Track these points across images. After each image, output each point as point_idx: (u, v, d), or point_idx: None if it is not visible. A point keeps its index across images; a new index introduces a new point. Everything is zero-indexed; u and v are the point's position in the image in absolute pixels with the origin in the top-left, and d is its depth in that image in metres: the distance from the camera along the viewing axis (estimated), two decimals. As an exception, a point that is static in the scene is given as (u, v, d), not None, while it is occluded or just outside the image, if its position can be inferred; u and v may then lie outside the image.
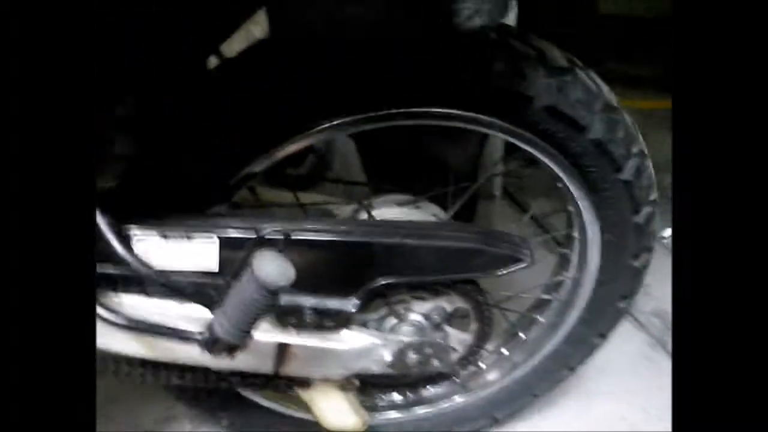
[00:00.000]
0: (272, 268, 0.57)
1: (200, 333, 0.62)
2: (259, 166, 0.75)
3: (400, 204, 0.91)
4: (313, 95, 0.72)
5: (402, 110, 0.75)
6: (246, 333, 0.60)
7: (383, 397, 1.01)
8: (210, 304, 0.65)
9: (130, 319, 0.67)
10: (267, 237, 0.68)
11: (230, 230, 0.69)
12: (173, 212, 0.70)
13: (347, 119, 0.74)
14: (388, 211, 0.89)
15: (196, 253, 0.69)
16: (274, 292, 0.57)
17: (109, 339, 0.73)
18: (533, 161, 0.83)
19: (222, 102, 0.72)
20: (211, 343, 0.61)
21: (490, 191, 1.69)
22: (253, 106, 0.71)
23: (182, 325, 0.66)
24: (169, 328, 0.65)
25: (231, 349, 0.62)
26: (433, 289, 0.81)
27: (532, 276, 0.90)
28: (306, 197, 1.04)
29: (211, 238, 0.68)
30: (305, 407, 0.93)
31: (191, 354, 0.72)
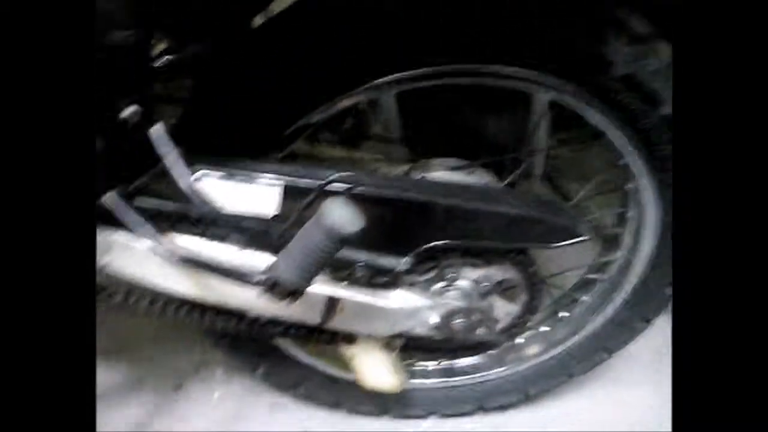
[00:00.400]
0: (343, 214, 0.56)
1: (260, 275, 0.62)
2: (315, 118, 0.75)
3: (453, 168, 0.89)
4: (375, 48, 0.70)
5: (470, 66, 0.73)
6: (309, 278, 0.60)
7: (421, 361, 1.00)
8: (271, 248, 0.65)
9: (187, 257, 0.66)
10: (330, 188, 0.67)
11: (294, 177, 0.68)
12: (236, 154, 0.69)
13: (408, 73, 0.72)
14: (441, 174, 0.88)
15: (257, 196, 0.68)
16: (342, 239, 0.56)
17: (162, 277, 0.73)
18: (583, 141, 0.81)
19: (281, 52, 0.71)
20: (272, 286, 0.61)
21: (531, 170, 1.66)
22: (312, 55, 0.70)
23: (240, 268, 0.65)
24: (228, 269, 0.65)
25: (291, 293, 0.61)
26: (486, 257, 0.80)
27: (569, 255, 0.88)
28: (351, 154, 1.03)
29: (274, 182, 0.68)
30: (343, 364, 0.94)
31: (243, 298, 0.72)
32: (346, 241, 0.57)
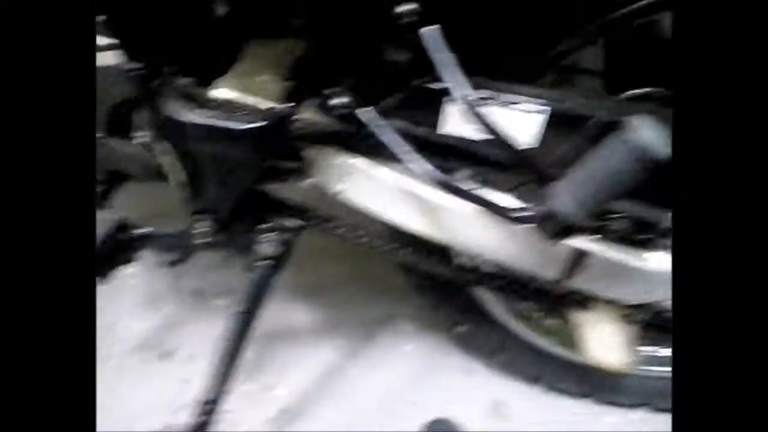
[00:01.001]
0: (656, 134, 0.47)
1: (525, 209, 0.55)
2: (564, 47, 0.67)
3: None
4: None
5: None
6: (595, 211, 0.51)
7: (653, 344, 0.88)
8: (540, 177, 0.57)
9: (444, 181, 0.60)
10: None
11: (563, 103, 0.60)
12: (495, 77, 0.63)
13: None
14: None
15: (518, 122, 0.60)
16: (652, 164, 0.47)
17: (398, 209, 0.69)
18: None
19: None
20: (544, 219, 0.53)
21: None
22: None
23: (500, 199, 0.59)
24: (485, 198, 0.59)
25: (567, 230, 0.53)
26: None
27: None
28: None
29: (538, 109, 0.60)
30: (552, 334, 0.86)
31: (484, 238, 0.66)
32: (656, 166, 0.47)
